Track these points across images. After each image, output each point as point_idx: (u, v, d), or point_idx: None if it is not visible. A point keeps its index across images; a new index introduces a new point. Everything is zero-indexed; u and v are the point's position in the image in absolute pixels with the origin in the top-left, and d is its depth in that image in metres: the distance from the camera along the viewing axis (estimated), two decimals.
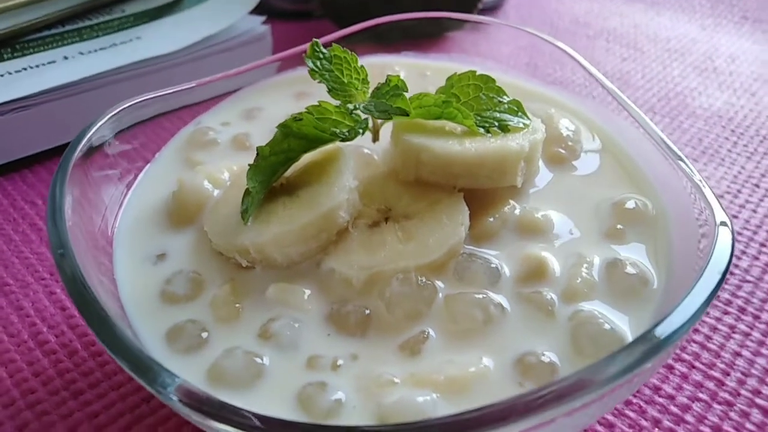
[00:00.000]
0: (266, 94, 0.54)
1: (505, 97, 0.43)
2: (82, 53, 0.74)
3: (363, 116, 0.40)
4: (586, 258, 0.39)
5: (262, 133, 0.50)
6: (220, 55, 0.76)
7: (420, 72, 0.56)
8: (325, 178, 0.40)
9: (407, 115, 0.37)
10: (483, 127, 0.41)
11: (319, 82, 0.42)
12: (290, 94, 0.54)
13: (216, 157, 0.47)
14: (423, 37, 0.60)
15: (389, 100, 0.38)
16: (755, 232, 0.60)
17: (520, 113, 0.43)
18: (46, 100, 0.66)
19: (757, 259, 0.57)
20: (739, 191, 0.65)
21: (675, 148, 0.42)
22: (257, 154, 0.39)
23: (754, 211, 0.63)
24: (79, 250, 0.35)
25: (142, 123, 0.47)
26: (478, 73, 0.43)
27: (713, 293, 0.30)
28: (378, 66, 0.55)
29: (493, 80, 0.43)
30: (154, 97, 0.46)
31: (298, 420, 0.30)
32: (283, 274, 0.38)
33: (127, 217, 0.42)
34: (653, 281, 0.37)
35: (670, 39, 0.95)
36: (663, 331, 0.28)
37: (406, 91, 0.38)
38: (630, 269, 0.38)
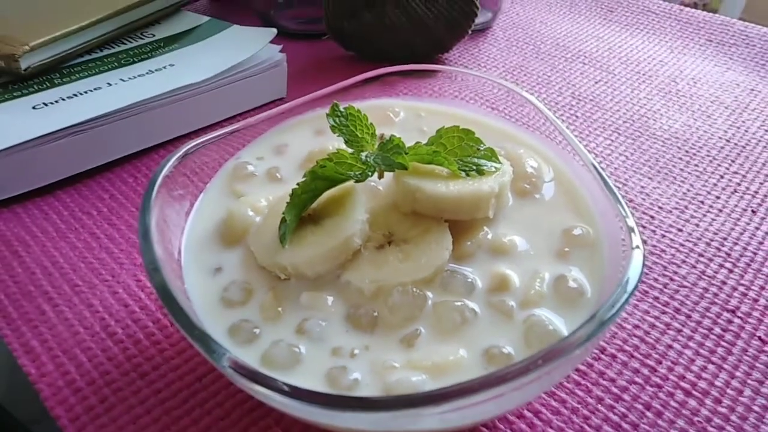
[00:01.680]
0: (290, 132, 0.67)
1: (482, 145, 0.57)
2: (123, 80, 0.87)
3: (372, 163, 0.53)
4: (540, 273, 0.52)
5: (290, 167, 0.63)
6: (242, 82, 0.89)
7: (416, 113, 0.69)
8: (343, 211, 0.53)
9: (406, 169, 0.51)
10: (464, 170, 0.55)
11: (338, 135, 0.56)
12: (311, 132, 0.67)
13: (254, 187, 0.61)
14: (417, 76, 0.73)
15: (392, 155, 0.52)
16: (695, 244, 0.74)
17: (493, 158, 0.57)
18: (96, 125, 0.79)
19: (694, 267, 0.71)
20: (686, 207, 0.78)
21: (613, 186, 0.55)
22: (291, 193, 0.52)
23: (697, 225, 0.76)
24: (163, 266, 0.48)
25: (192, 154, 0.60)
26: (461, 127, 0.57)
27: (622, 306, 0.44)
28: (382, 108, 0.69)
29: (473, 132, 0.57)
30: (215, 137, 0.59)
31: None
32: (312, 285, 0.52)
33: (190, 239, 0.56)
34: (588, 292, 0.51)
35: (640, 61, 1.07)
36: (584, 331, 0.42)
37: (406, 152, 0.51)
38: (572, 283, 0.52)
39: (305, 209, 0.53)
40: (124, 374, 0.59)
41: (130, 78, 0.87)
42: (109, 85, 0.86)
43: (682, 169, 0.86)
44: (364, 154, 0.53)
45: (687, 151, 0.89)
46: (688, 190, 0.83)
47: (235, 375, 0.41)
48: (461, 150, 0.56)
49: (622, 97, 0.99)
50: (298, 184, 0.53)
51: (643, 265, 0.47)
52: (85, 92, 0.84)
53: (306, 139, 0.66)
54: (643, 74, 1.04)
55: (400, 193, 0.54)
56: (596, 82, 1.02)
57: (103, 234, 0.73)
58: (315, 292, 0.51)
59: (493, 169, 0.55)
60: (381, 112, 0.68)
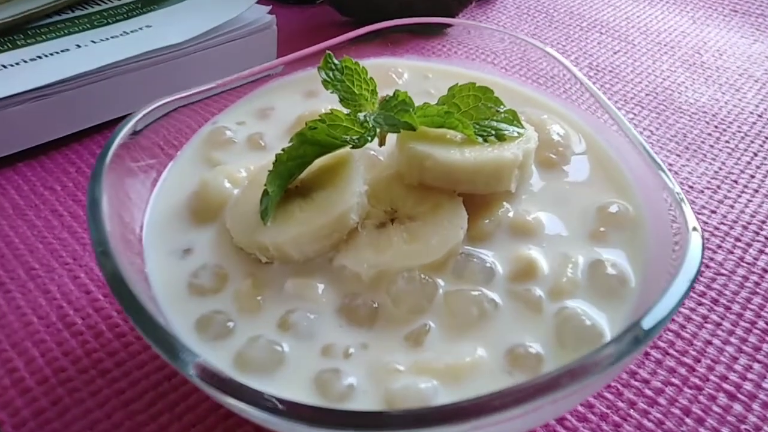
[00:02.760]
0: (277, 94, 0.57)
1: (501, 106, 0.47)
2: (94, 41, 0.77)
3: (372, 125, 0.44)
4: (572, 258, 0.43)
5: (275, 133, 0.53)
6: (227, 45, 0.78)
7: (422, 74, 0.59)
8: (338, 182, 0.43)
9: (414, 129, 0.41)
10: (481, 135, 0.45)
11: (332, 92, 0.46)
12: (300, 93, 0.57)
13: (233, 156, 0.51)
14: (423, 34, 0.63)
15: (397, 113, 0.42)
16: (731, 227, 0.65)
17: (515, 122, 0.47)
18: (62, 89, 0.69)
19: (731, 253, 0.62)
20: (718, 187, 0.70)
21: (655, 156, 0.46)
22: (275, 159, 0.42)
23: (732, 207, 0.67)
24: (116, 247, 0.39)
25: (159, 120, 0.50)
26: (477, 85, 0.47)
27: (682, 298, 0.35)
28: (384, 67, 0.59)
29: (491, 91, 0.47)
30: (183, 97, 0.49)
31: (315, 403, 0.34)
32: (299, 269, 0.42)
33: (154, 215, 0.46)
34: (631, 281, 0.42)
35: (661, 32, 0.97)
36: (637, 331, 0.33)
37: (413, 108, 0.41)
38: (611, 269, 0.42)
39: (292, 180, 0.44)
40: (81, 371, 0.50)
41: (102, 40, 0.77)
42: (79, 47, 0.76)
43: (712, 146, 0.77)
44: (362, 114, 0.43)
45: (716, 127, 0.79)
46: (720, 168, 0.74)
47: (202, 384, 0.31)
48: (477, 112, 0.47)
49: (643, 68, 0.90)
50: (283, 149, 0.43)
51: (704, 250, 0.38)
52: (51, 54, 0.74)
53: (295, 101, 0.56)
54: (665, 45, 0.95)
55: (405, 161, 0.44)
56: (615, 53, 0.93)
57: (66, 211, 0.64)
58: (302, 279, 0.41)
59: (516, 135, 0.46)
60: (382, 72, 0.58)
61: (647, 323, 0.33)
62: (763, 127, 0.78)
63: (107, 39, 0.77)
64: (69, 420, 0.46)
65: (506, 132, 0.46)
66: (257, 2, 0.80)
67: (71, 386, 0.48)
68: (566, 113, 0.54)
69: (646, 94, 0.84)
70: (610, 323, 0.39)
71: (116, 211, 0.42)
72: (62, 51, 0.74)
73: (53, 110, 0.69)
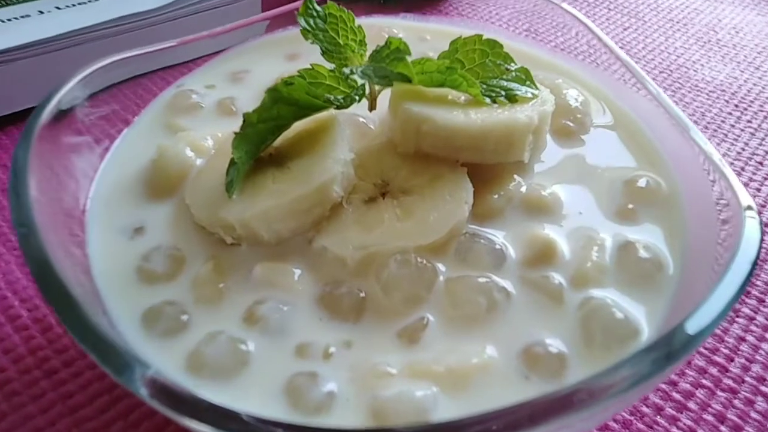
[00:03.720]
0: (254, 56, 0.49)
1: (512, 64, 0.40)
2: (58, 8, 0.69)
3: (360, 82, 0.36)
4: (597, 240, 0.35)
5: (250, 98, 0.45)
6: (206, 13, 0.70)
7: (419, 36, 0.51)
8: (318, 149, 0.36)
9: (410, 81, 0.33)
10: (489, 96, 0.38)
11: (312, 42, 0.38)
12: (280, 56, 0.49)
13: (199, 122, 0.43)
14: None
15: (389, 64, 0.34)
16: (759, 212, 0.57)
17: (528, 82, 0.39)
18: (20, 56, 0.61)
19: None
20: (742, 169, 0.63)
21: (691, 124, 0.38)
22: (243, 121, 0.35)
23: (758, 190, 0.60)
24: (46, 225, 0.31)
25: (118, 85, 0.43)
26: (484, 38, 0.39)
27: (738, 293, 0.27)
28: (376, 27, 0.51)
29: (501, 45, 0.39)
30: (131, 57, 0.41)
31: (284, 419, 0.27)
32: (271, 252, 0.35)
33: (102, 187, 0.38)
34: (668, 266, 0.34)
35: (672, 9, 0.90)
36: (689, 329, 0.25)
37: (409, 54, 0.34)
38: (643, 253, 0.35)
39: (264, 146, 0.36)
40: (23, 372, 0.42)
41: (67, 6, 0.69)
42: (41, 13, 0.67)
43: (732, 125, 0.69)
44: (348, 68, 0.36)
45: (736, 106, 0.72)
46: (743, 149, 0.66)
47: (147, 398, 0.24)
48: (484, 69, 0.39)
49: (656, 45, 0.82)
50: (254, 109, 0.35)
51: (762, 234, 0.30)
52: (9, 20, 0.66)
53: (274, 64, 0.49)
54: (677, 22, 0.88)
55: (399, 125, 0.37)
56: (624, 29, 0.85)
57: None
58: (274, 263, 0.34)
59: (530, 96, 0.38)
60: (373, 33, 0.50)
61: (694, 325, 0.26)
62: None
63: (73, 6, 0.69)
64: (5, 429, 0.39)
65: (518, 93, 0.38)
66: None
67: (10, 389, 0.41)
68: (583, 77, 0.47)
69: (660, 72, 0.77)
70: (647, 316, 0.32)
71: (51, 184, 0.34)
72: (22, 17, 0.66)
73: (10, 81, 0.61)
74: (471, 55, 0.39)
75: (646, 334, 0.31)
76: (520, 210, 0.37)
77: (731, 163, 0.63)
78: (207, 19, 0.71)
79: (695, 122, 0.69)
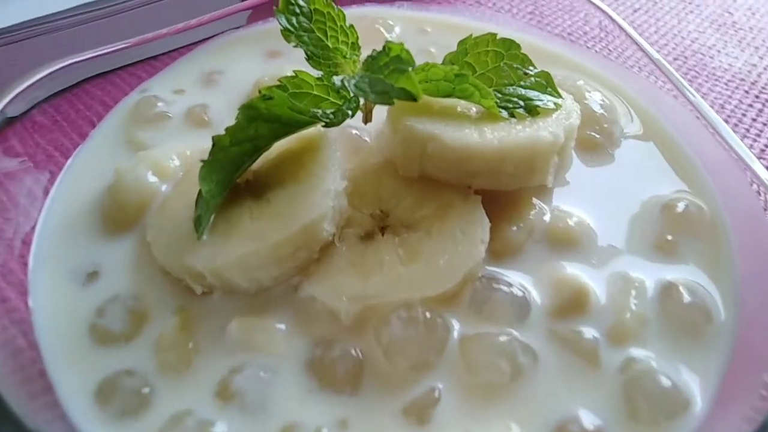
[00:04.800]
0: (229, 53, 0.42)
1: (531, 67, 0.33)
2: None
3: (351, 93, 0.29)
4: (634, 282, 0.30)
5: (225, 105, 0.39)
6: (172, 2, 0.62)
7: (419, 27, 0.45)
8: (304, 177, 0.29)
9: (415, 99, 0.27)
10: (505, 108, 0.31)
11: (296, 46, 0.31)
12: (259, 53, 0.43)
13: (166, 136, 0.37)
14: None
15: (388, 76, 0.28)
16: None
17: (549, 89, 0.33)
18: None
19: None
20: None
21: (734, 137, 0.33)
22: (213, 144, 0.28)
23: None
24: None
25: (70, 90, 0.36)
26: (498, 37, 0.33)
27: None
28: (369, 19, 0.44)
29: (518, 46, 0.33)
30: (83, 61, 0.35)
31: None
32: (250, 303, 0.29)
33: (51, 218, 0.32)
34: (718, 313, 0.29)
35: None
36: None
37: (412, 65, 0.27)
38: (687, 297, 0.29)
39: (239, 172, 0.29)
40: None
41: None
42: None
43: (755, 119, 0.63)
44: (339, 78, 0.29)
45: (757, 96, 0.66)
46: (766, 147, 0.60)
47: None
48: (499, 75, 0.33)
49: (668, 29, 0.76)
50: (226, 129, 0.29)
51: None
52: None
53: (251, 62, 0.42)
54: (689, 3, 0.81)
55: (401, 144, 0.30)
56: (635, 11, 0.78)
57: None
58: (253, 318, 0.28)
59: (552, 106, 0.32)
60: (366, 25, 0.43)
61: None
62: None
63: None
64: None
65: (539, 103, 0.32)
66: None
67: None
68: (605, 75, 0.41)
69: (674, 58, 0.70)
70: (699, 382, 0.26)
71: None
72: None
73: None
74: (483, 58, 0.33)
75: (699, 405, 0.25)
76: (544, 244, 0.31)
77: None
78: (173, 7, 0.64)
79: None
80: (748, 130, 0.62)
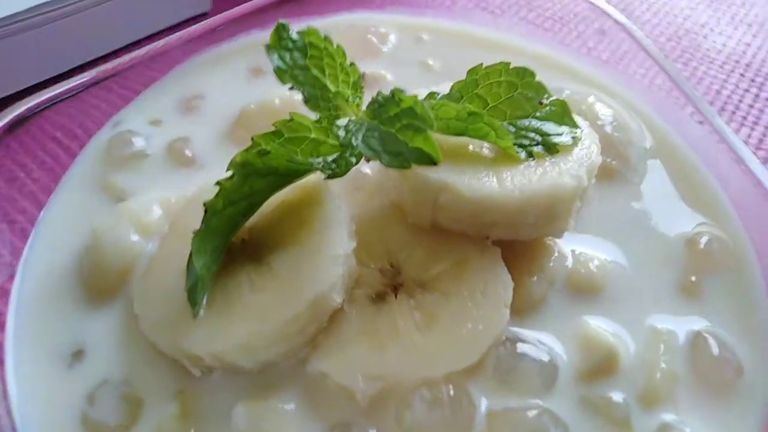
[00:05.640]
0: (208, 73, 0.38)
1: (546, 95, 0.30)
2: None
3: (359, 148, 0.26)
4: (663, 334, 0.28)
5: (208, 136, 0.35)
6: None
7: (414, 35, 0.41)
8: (307, 237, 0.27)
9: (435, 163, 0.24)
10: (522, 146, 0.29)
11: (292, 88, 0.28)
12: (241, 71, 0.39)
13: (146, 178, 0.33)
14: None
15: (401, 131, 0.24)
16: None
17: (566, 118, 0.30)
18: None
19: None
20: (767, 159, 0.55)
21: (750, 154, 0.31)
22: (206, 211, 0.25)
23: None
24: None
25: (27, 123, 0.32)
26: (512, 66, 0.30)
27: None
28: (359, 28, 0.41)
29: (532, 73, 0.30)
30: (37, 104, 0.30)
31: None
32: (255, 381, 0.26)
33: (25, 287, 0.29)
34: (748, 363, 0.27)
35: None
36: None
37: (431, 125, 0.24)
38: (716, 349, 0.27)
39: (234, 232, 0.26)
40: None
41: None
42: None
43: (751, 105, 0.61)
44: (341, 126, 0.26)
45: (753, 80, 0.64)
46: (765, 134, 0.59)
47: None
48: (513, 106, 0.30)
49: (659, 6, 0.73)
50: (219, 184, 0.25)
51: None
52: None
53: (233, 83, 0.38)
54: None
55: (411, 192, 0.28)
56: None
57: None
58: (259, 402, 0.25)
59: (570, 141, 0.29)
60: (357, 36, 0.40)
61: None
62: None
63: None
64: None
65: (557, 139, 0.29)
66: None
67: None
68: (617, 89, 0.38)
69: (668, 39, 0.68)
70: None
71: None
72: None
73: None
74: (495, 89, 0.29)
75: None
76: (566, 294, 0.29)
77: (755, 150, 0.56)
78: (133, 6, 0.58)
79: (711, 102, 0.61)
80: (745, 118, 0.60)
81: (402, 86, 0.35)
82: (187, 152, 0.34)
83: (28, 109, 0.29)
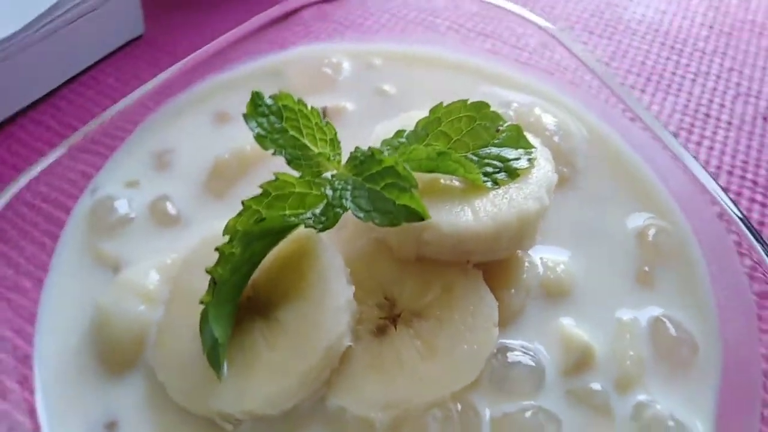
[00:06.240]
0: (174, 126, 0.40)
1: (501, 123, 0.34)
2: None
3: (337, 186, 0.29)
4: (626, 324, 0.33)
5: (187, 191, 0.37)
6: (70, 27, 0.56)
7: (366, 62, 0.43)
8: (308, 289, 0.29)
9: (423, 220, 0.27)
10: (487, 176, 0.32)
11: (275, 153, 0.30)
12: (207, 120, 0.40)
13: (135, 243, 0.35)
14: None
15: (385, 189, 0.27)
16: (717, 175, 0.57)
17: (521, 141, 0.34)
18: None
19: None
20: (692, 125, 0.61)
21: (684, 150, 0.35)
22: (214, 283, 0.28)
23: (711, 148, 0.60)
24: None
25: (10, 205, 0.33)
26: (470, 102, 0.33)
27: None
28: (313, 61, 0.43)
29: (487, 105, 0.33)
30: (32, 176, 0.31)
31: None
32: (282, 425, 0.29)
33: (46, 369, 0.30)
34: (702, 340, 0.33)
35: None
36: None
37: (415, 186, 0.27)
38: (673, 331, 0.32)
39: (241, 294, 0.29)
40: None
41: None
42: None
43: (673, 73, 0.67)
44: (326, 175, 0.29)
45: (672, 47, 0.70)
46: (688, 101, 0.65)
47: None
48: (474, 138, 0.33)
49: None
50: (220, 251, 0.28)
51: None
52: None
53: (201, 133, 0.39)
54: None
55: (395, 234, 0.31)
56: None
57: None
58: None
59: (527, 165, 0.33)
60: (312, 69, 0.42)
61: None
62: (717, 41, 0.70)
63: None
64: None
65: (516, 163, 0.33)
66: None
67: None
68: (560, 97, 0.42)
69: (591, 15, 0.73)
70: (699, 417, 0.30)
71: None
72: None
73: None
74: (457, 124, 0.33)
75: None
76: (541, 300, 0.33)
77: (680, 119, 0.62)
78: (73, 33, 0.58)
79: (637, 75, 0.66)
80: (669, 87, 0.66)
81: (364, 117, 0.38)
82: (170, 210, 0.36)
83: (13, 195, 0.30)
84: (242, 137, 0.38)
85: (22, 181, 0.31)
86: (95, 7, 0.57)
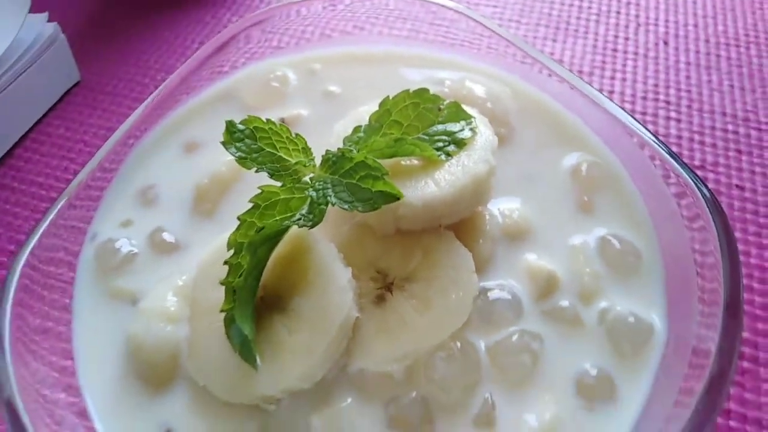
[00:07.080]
0: (147, 162, 0.44)
1: (441, 102, 0.40)
2: None
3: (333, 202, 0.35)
4: (578, 247, 0.40)
5: (179, 218, 0.41)
6: (12, 87, 0.59)
7: (308, 69, 0.48)
8: (314, 279, 0.35)
9: (399, 199, 0.33)
10: (439, 150, 0.38)
11: (258, 170, 0.35)
12: (176, 152, 0.45)
13: (145, 274, 0.39)
14: None
15: (362, 180, 0.33)
16: (633, 101, 0.65)
17: (461, 114, 0.40)
18: None
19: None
20: (603, 62, 0.69)
21: (599, 93, 0.42)
22: (232, 292, 0.33)
23: (624, 79, 0.67)
24: None
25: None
26: (412, 90, 0.39)
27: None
28: (260, 78, 0.47)
29: (427, 90, 0.39)
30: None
31: None
32: (315, 396, 0.35)
33: (96, 398, 0.35)
34: (643, 248, 0.40)
35: None
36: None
37: (386, 173, 0.33)
38: (617, 244, 0.40)
39: (256, 294, 0.35)
40: None
41: None
42: None
43: (578, 17, 0.75)
44: (314, 190, 0.35)
45: None
46: (596, 41, 0.73)
47: None
48: (421, 120, 0.39)
49: None
50: (228, 264, 0.33)
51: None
52: None
53: (175, 166, 0.44)
54: None
55: (374, 215, 0.36)
56: None
57: None
58: (326, 410, 0.34)
59: (470, 134, 0.39)
60: (261, 89, 0.47)
61: None
62: None
63: None
64: None
65: (461, 134, 0.39)
66: (30, 13, 0.60)
67: None
68: (481, 66, 0.48)
69: None
70: (653, 309, 0.37)
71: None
72: None
73: None
74: (405, 112, 0.39)
75: (659, 325, 0.37)
76: (506, 244, 0.40)
77: (592, 59, 0.69)
78: (13, 92, 0.60)
79: (546, 26, 0.73)
80: (576, 31, 0.73)
81: (320, 119, 0.43)
82: (168, 239, 0.40)
83: (26, 263, 0.34)
84: (216, 160, 0.43)
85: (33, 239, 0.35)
86: (33, 62, 0.59)
